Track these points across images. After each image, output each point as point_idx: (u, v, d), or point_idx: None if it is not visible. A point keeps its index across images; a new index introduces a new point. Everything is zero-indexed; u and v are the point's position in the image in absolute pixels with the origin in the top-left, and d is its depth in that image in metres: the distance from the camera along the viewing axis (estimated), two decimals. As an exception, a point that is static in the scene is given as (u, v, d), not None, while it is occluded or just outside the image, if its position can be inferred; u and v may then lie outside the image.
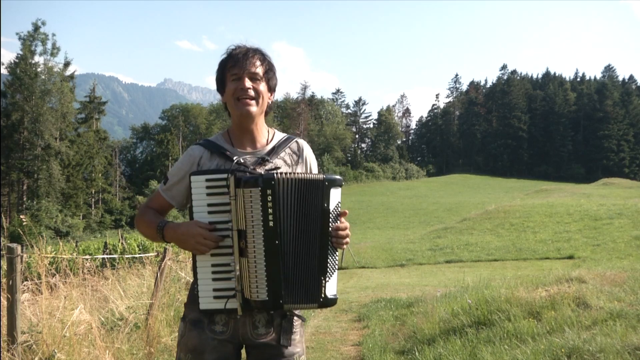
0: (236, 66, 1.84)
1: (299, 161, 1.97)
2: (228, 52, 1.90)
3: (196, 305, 1.86)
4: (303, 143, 2.00)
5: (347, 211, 1.84)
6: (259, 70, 1.87)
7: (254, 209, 1.69)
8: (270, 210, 1.69)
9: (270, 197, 1.68)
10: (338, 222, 1.80)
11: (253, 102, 1.86)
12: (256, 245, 1.70)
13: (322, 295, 1.75)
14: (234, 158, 1.84)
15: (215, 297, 1.79)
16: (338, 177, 1.81)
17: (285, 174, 1.72)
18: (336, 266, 1.81)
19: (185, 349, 1.86)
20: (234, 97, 1.86)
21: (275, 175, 1.70)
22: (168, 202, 1.94)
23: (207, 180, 1.77)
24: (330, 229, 1.77)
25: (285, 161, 1.93)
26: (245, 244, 1.72)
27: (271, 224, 1.69)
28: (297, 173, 1.75)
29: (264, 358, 1.86)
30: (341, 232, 1.79)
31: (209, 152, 1.89)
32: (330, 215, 1.77)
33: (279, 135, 1.99)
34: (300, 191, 1.73)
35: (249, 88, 1.84)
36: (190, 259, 2.15)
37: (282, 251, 1.71)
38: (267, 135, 1.97)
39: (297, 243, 1.74)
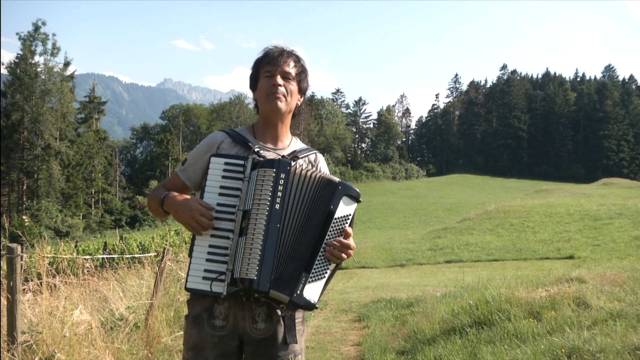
0: (270, 64, 1.89)
1: None
2: (264, 50, 1.94)
3: (196, 301, 1.84)
4: (320, 157, 2.04)
5: (351, 232, 1.79)
6: (292, 70, 1.92)
7: (263, 189, 1.71)
8: (279, 194, 1.71)
9: (282, 180, 1.71)
10: (341, 234, 1.77)
11: (283, 98, 1.90)
12: (257, 223, 1.69)
13: (297, 292, 1.70)
14: (255, 147, 1.88)
15: (204, 278, 1.74)
16: (355, 189, 1.79)
17: (302, 166, 1.80)
18: (325, 274, 1.76)
19: (187, 347, 1.86)
20: (265, 93, 1.89)
21: (292, 162, 1.77)
22: (183, 182, 1.94)
23: (226, 163, 1.80)
24: (328, 235, 1.74)
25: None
26: (247, 223, 1.71)
27: (277, 206, 1.70)
28: (314, 170, 1.80)
29: (260, 355, 1.83)
30: (338, 244, 1.75)
31: (231, 140, 1.92)
32: (334, 221, 1.75)
33: (301, 144, 2.03)
34: (312, 186, 1.76)
35: (280, 85, 1.89)
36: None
37: (281, 236, 1.71)
38: (290, 138, 2.01)
39: (296, 233, 1.73)
